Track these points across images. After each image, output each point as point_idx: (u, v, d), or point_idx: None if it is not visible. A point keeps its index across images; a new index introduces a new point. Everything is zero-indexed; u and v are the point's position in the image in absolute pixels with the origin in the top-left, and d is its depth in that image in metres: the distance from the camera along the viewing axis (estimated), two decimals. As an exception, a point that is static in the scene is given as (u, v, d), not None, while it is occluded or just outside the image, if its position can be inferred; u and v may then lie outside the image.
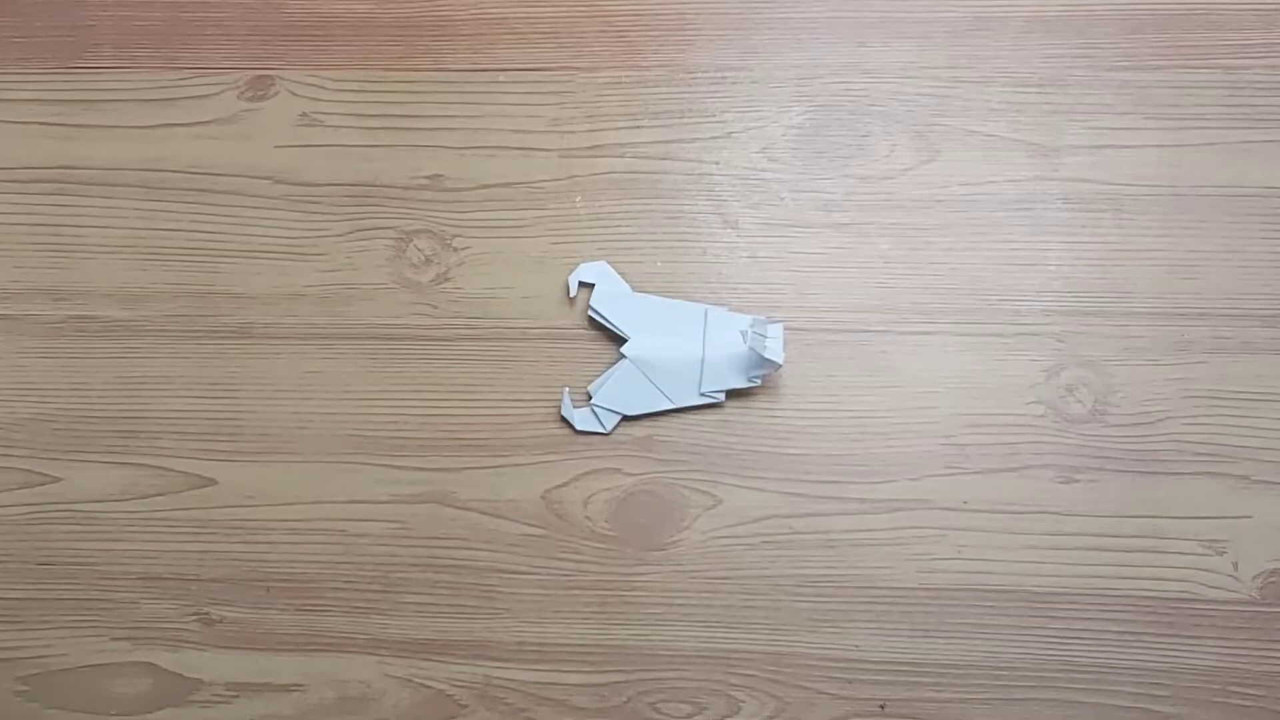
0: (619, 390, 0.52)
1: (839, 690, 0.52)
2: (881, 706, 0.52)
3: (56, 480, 0.54)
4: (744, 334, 0.51)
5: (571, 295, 0.53)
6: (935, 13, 0.54)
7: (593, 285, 0.53)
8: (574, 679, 0.53)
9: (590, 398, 0.52)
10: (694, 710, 0.52)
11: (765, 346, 0.50)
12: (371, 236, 0.55)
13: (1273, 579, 0.51)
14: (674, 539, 0.53)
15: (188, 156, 0.55)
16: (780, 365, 0.50)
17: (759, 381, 0.52)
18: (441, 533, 0.53)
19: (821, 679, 0.52)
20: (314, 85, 0.55)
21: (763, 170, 0.54)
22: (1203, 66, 0.53)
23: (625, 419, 0.53)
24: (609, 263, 0.53)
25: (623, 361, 0.52)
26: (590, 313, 0.53)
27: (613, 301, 0.52)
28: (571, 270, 0.53)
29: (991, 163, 0.53)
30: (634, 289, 0.53)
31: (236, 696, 0.53)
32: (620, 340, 0.52)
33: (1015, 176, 0.53)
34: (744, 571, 0.52)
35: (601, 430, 0.52)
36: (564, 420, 0.53)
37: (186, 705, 0.53)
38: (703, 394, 0.52)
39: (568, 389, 0.53)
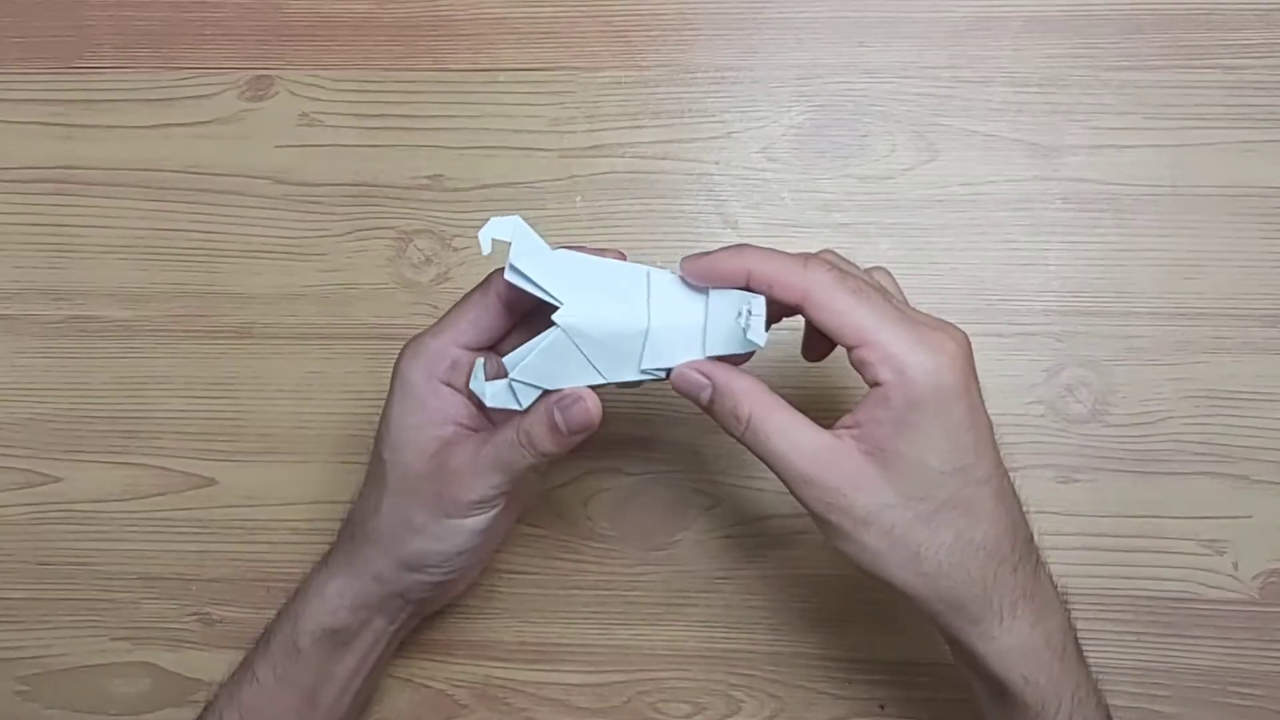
0: (543, 364, 0.41)
1: (839, 690, 0.52)
2: (881, 706, 0.52)
3: (56, 480, 0.54)
4: (741, 313, 0.42)
5: (485, 253, 0.42)
6: (935, 13, 0.54)
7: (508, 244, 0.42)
8: (574, 679, 0.53)
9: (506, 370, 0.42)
10: (694, 710, 0.52)
11: (749, 326, 0.41)
12: (371, 236, 0.55)
13: (1273, 579, 0.51)
14: (674, 539, 0.53)
15: (188, 156, 0.55)
16: (762, 347, 0.41)
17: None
18: (441, 533, 0.53)
19: (821, 679, 0.52)
20: (314, 85, 0.55)
21: (763, 170, 0.54)
22: (1203, 66, 0.53)
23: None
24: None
25: (552, 331, 0.41)
26: (509, 274, 0.41)
27: (535, 259, 0.41)
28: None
29: (991, 163, 0.53)
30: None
31: (236, 696, 0.53)
32: (550, 307, 0.41)
33: (1015, 176, 0.53)
34: (744, 571, 0.52)
35: (517, 407, 0.42)
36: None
37: (186, 705, 0.53)
38: (643, 370, 0.42)
39: (482, 360, 0.42)
